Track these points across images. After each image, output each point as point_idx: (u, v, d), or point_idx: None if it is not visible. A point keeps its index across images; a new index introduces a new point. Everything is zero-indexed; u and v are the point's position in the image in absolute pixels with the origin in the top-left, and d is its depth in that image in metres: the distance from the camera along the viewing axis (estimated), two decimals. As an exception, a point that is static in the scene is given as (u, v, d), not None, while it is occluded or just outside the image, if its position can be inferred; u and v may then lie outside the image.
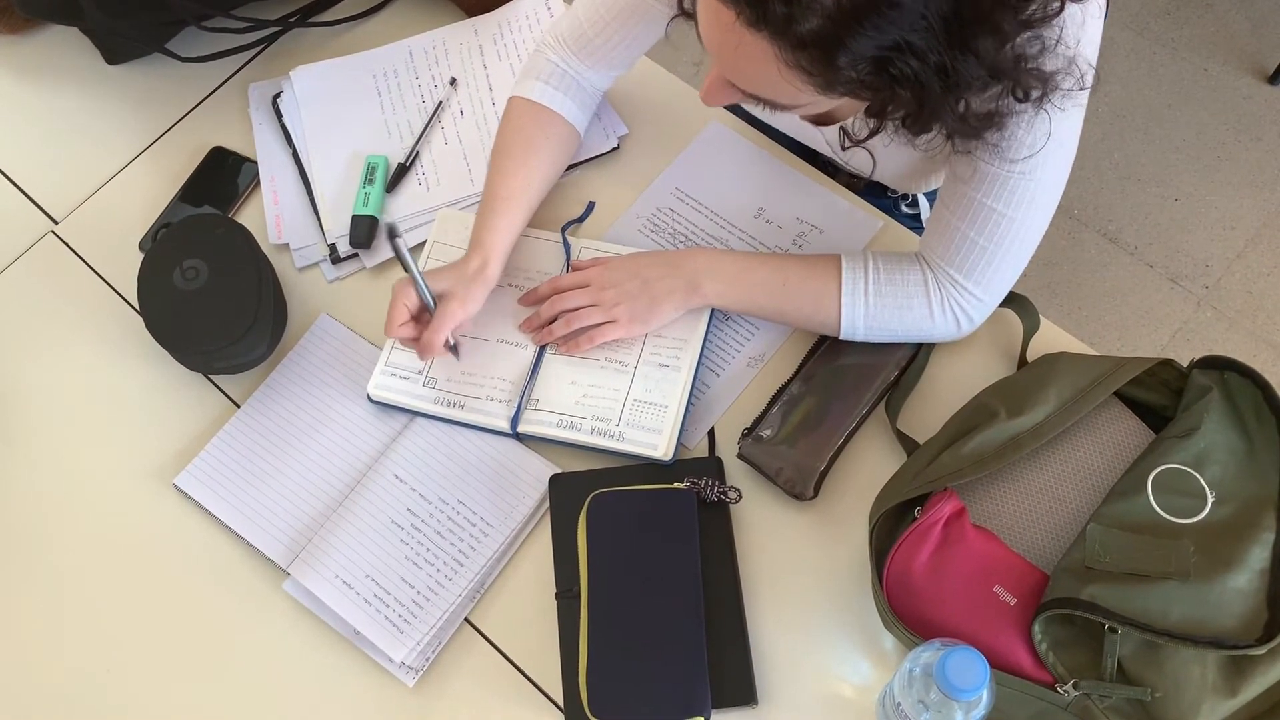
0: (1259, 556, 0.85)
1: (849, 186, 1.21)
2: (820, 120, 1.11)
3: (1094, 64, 0.88)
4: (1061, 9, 0.77)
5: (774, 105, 0.83)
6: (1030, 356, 1.05)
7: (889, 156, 1.08)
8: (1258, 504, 0.88)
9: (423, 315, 1.05)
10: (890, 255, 1.04)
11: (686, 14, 0.94)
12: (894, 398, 1.05)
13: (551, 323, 1.08)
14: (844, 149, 1.05)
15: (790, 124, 1.16)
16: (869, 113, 0.86)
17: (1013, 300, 1.06)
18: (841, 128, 1.04)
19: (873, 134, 0.91)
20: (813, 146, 1.18)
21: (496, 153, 1.11)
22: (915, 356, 1.06)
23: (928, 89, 0.74)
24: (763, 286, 1.05)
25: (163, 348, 1.07)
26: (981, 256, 0.97)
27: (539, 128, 1.12)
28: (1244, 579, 0.84)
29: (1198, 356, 0.98)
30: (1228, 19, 2.34)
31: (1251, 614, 0.83)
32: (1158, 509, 0.89)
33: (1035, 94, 0.81)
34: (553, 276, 1.11)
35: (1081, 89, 0.85)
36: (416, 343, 1.04)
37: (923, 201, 1.31)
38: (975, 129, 0.83)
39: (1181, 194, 2.17)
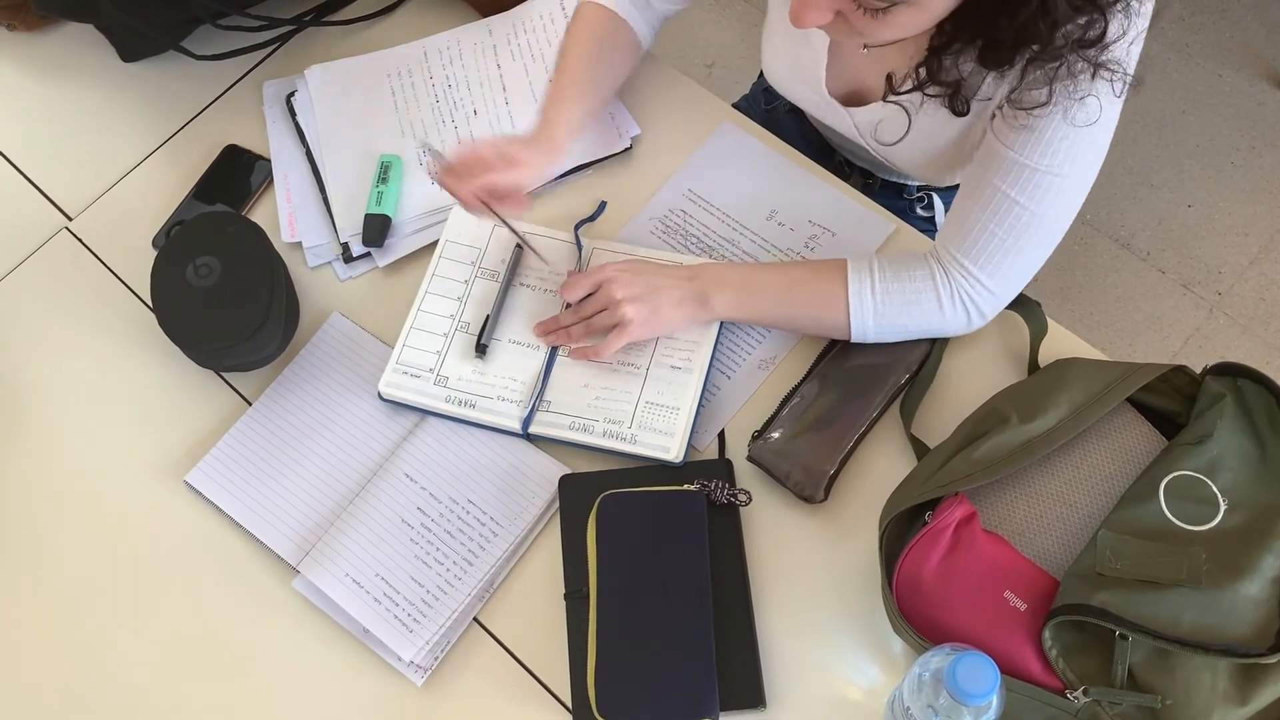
0: (1271, 564, 0.85)
1: (863, 187, 1.21)
2: (852, 99, 1.11)
3: (1130, 70, 0.90)
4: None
5: (879, 2, 0.82)
6: (1042, 361, 1.05)
7: (921, 135, 1.08)
8: (1271, 512, 0.88)
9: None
10: (895, 255, 1.04)
11: None
12: (908, 402, 1.05)
13: (569, 325, 1.08)
14: (885, 100, 1.05)
15: (819, 105, 1.16)
16: (934, 48, 0.87)
17: (1020, 303, 1.05)
18: (889, 77, 1.04)
19: (916, 87, 0.92)
20: (842, 133, 1.18)
21: (565, 51, 1.14)
22: (926, 360, 1.06)
23: None
24: (770, 293, 1.05)
25: (175, 345, 1.07)
26: (999, 248, 0.97)
27: (610, 32, 1.15)
28: (1256, 587, 0.84)
29: (1210, 363, 0.97)
30: (1242, 25, 2.34)
31: (1263, 622, 0.83)
32: (1170, 516, 0.89)
33: (1106, 42, 0.83)
34: (565, 282, 1.09)
35: (1126, 82, 0.88)
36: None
37: (938, 204, 1.31)
38: (1058, 51, 0.84)
39: (1195, 200, 2.16)
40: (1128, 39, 0.86)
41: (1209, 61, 2.30)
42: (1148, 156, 2.21)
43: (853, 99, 1.13)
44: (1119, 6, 0.82)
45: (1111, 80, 0.87)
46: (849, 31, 0.88)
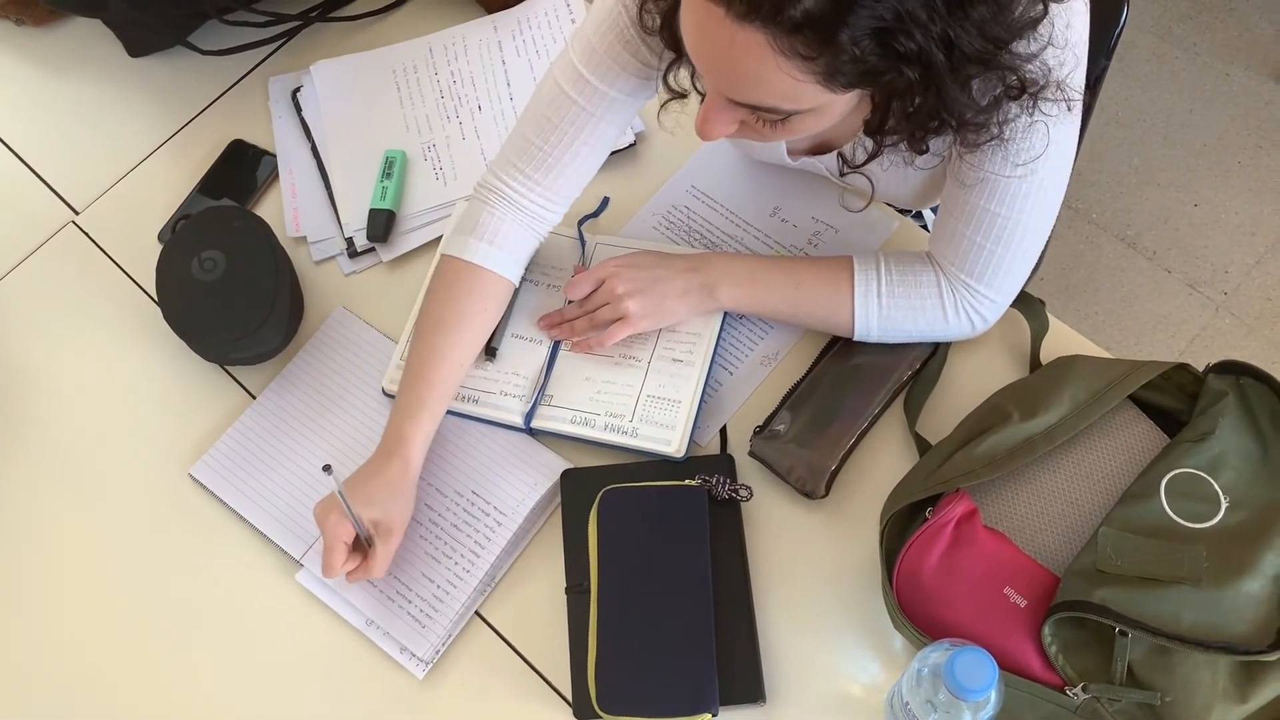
0: (1272, 563, 0.85)
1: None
2: (818, 148, 1.09)
3: (1081, 91, 0.88)
4: (1046, 11, 0.78)
5: (775, 114, 0.80)
6: (1045, 359, 1.04)
7: (888, 182, 1.07)
8: (1272, 510, 0.88)
9: (357, 541, 0.98)
10: (902, 256, 1.04)
11: (675, 93, 0.93)
12: (913, 399, 1.05)
13: (573, 319, 1.08)
14: (841, 175, 1.04)
15: (792, 163, 1.13)
16: (869, 129, 0.85)
17: (1022, 301, 1.05)
18: (840, 154, 1.02)
19: (871, 157, 0.90)
20: (816, 174, 1.16)
21: (427, 324, 1.03)
22: (931, 357, 1.06)
23: (933, 66, 0.73)
24: (776, 289, 1.05)
25: (180, 338, 1.08)
26: (990, 260, 0.97)
27: (474, 297, 1.03)
28: (1257, 585, 0.84)
29: (1212, 361, 0.97)
30: (1250, 24, 2.33)
31: (1264, 620, 0.83)
32: (1171, 513, 0.89)
33: (1031, 90, 0.81)
34: (570, 280, 1.09)
35: (1071, 101, 0.85)
36: (355, 570, 0.97)
37: (927, 213, 1.31)
38: (981, 120, 0.82)
39: (1201, 199, 2.16)
40: (1058, 70, 0.82)
41: (1216, 60, 2.29)
42: (1154, 155, 2.20)
43: (820, 148, 1.09)
44: (1030, 60, 0.79)
45: (1057, 103, 0.84)
46: (756, 136, 0.86)
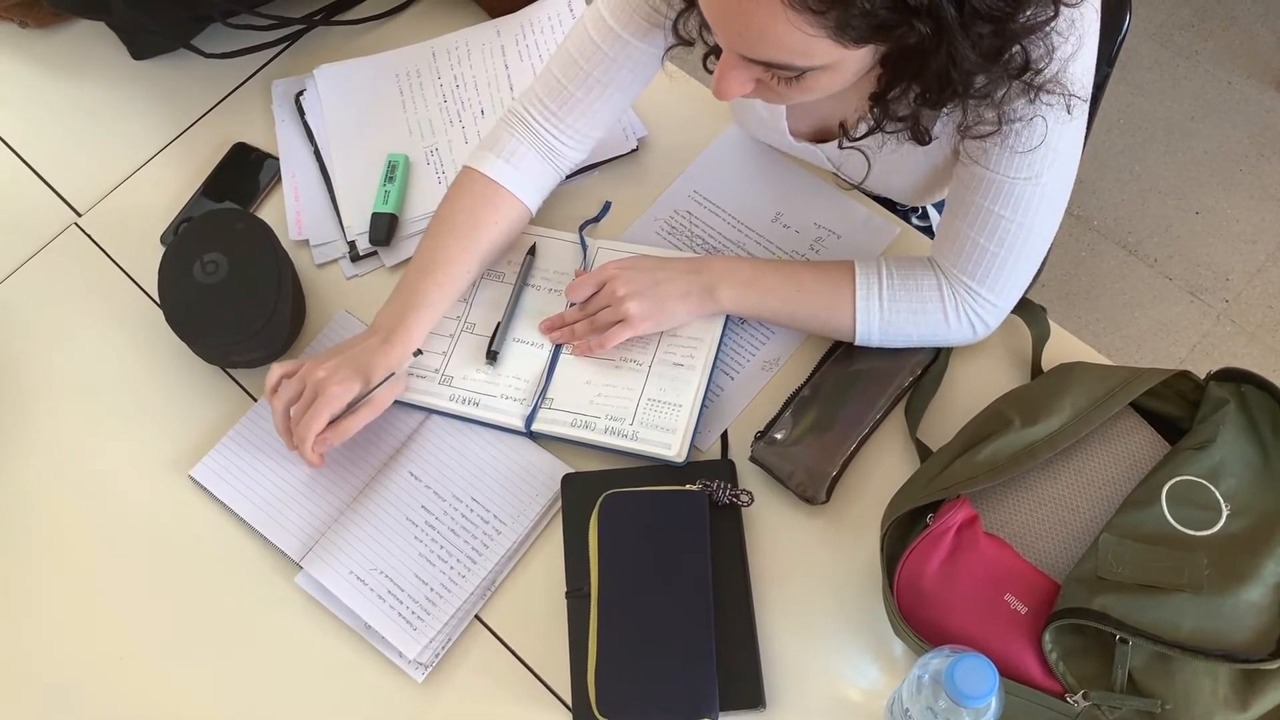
0: (1273, 570, 0.85)
1: None
2: (820, 135, 1.10)
3: (1087, 94, 0.89)
4: (1056, 14, 0.79)
5: (789, 71, 0.81)
6: (1047, 366, 1.04)
7: (892, 167, 1.07)
8: (1273, 517, 0.88)
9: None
10: (903, 260, 1.04)
11: (682, 39, 0.95)
12: (914, 405, 1.05)
13: (574, 323, 1.08)
14: (841, 148, 1.04)
15: (791, 145, 1.14)
16: (875, 95, 0.86)
17: (1023, 307, 1.05)
18: (841, 124, 1.03)
19: (873, 130, 0.91)
20: (817, 165, 1.17)
21: (440, 228, 1.07)
22: (932, 364, 1.06)
23: (944, 19, 0.74)
24: (777, 292, 1.05)
25: (181, 340, 1.08)
26: (993, 262, 0.98)
27: (490, 209, 1.07)
28: (1258, 593, 0.84)
29: (1214, 369, 0.97)
30: (1252, 32, 2.33)
31: (1265, 628, 0.83)
32: (1171, 521, 0.89)
33: (1035, 68, 0.82)
34: (571, 283, 1.10)
35: (1073, 100, 0.86)
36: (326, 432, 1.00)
37: (932, 213, 1.31)
38: (988, 90, 0.83)
39: (1203, 207, 2.16)
40: (1061, 55, 0.84)
41: (1218, 69, 2.30)
42: (1156, 163, 2.21)
43: (820, 135, 1.11)
44: (1039, 36, 0.80)
45: (1060, 99, 0.86)
46: (773, 96, 0.88)
